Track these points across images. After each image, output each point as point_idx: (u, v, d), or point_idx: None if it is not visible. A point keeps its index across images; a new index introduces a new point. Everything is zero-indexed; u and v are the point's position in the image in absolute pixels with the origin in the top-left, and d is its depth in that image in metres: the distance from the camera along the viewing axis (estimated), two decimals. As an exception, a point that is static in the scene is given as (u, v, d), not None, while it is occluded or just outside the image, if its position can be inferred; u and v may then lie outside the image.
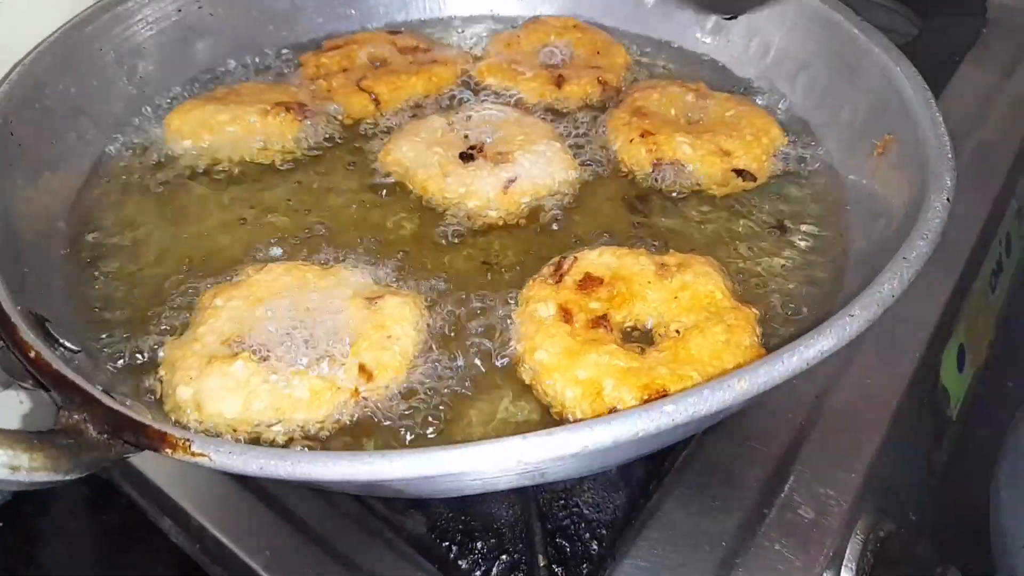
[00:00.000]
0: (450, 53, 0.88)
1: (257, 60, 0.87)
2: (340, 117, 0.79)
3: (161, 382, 0.54)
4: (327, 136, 0.77)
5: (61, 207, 0.66)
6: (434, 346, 0.58)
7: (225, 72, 0.85)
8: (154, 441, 0.39)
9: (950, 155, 0.54)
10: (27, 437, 0.37)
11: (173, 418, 0.51)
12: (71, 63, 0.69)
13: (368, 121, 0.79)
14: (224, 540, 0.63)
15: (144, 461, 0.70)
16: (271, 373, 0.52)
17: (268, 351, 0.54)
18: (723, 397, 0.39)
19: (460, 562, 0.58)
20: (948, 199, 0.50)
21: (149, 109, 0.77)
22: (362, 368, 0.53)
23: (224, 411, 0.50)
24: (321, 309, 0.57)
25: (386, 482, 0.37)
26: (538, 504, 0.59)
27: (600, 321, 0.57)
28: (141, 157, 0.74)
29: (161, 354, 0.56)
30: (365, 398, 0.53)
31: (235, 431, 0.51)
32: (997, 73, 1.08)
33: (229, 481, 0.67)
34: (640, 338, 0.59)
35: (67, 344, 0.49)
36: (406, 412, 0.53)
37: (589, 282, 0.59)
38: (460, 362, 0.57)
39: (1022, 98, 1.04)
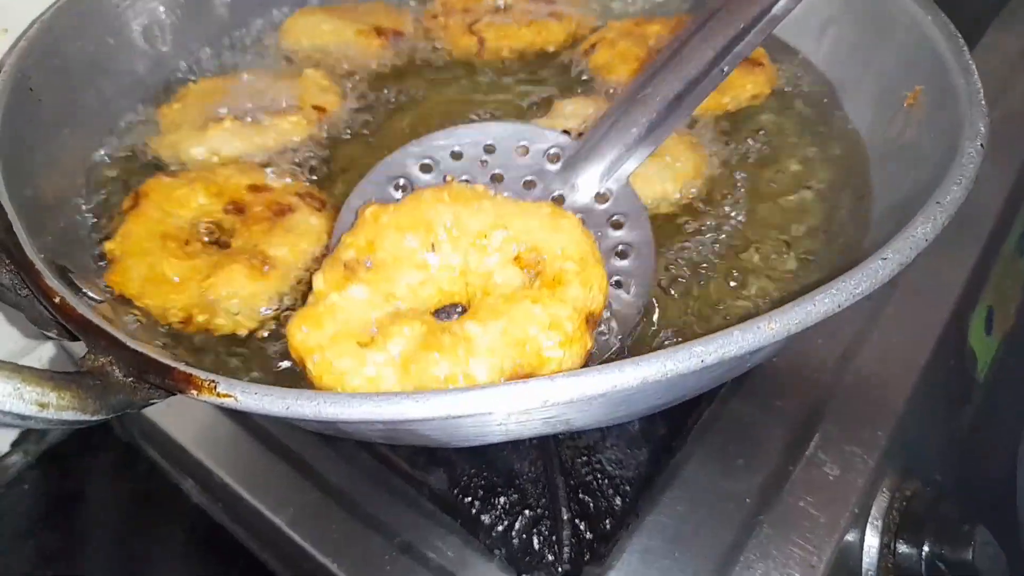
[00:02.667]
0: (572, 11, 0.85)
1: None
2: (445, 52, 0.83)
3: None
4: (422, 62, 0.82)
5: (81, 163, 0.66)
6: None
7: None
8: (179, 383, 0.39)
9: (982, 103, 0.53)
10: (55, 376, 0.37)
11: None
12: (89, 20, 0.69)
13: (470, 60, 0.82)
14: (248, 497, 0.64)
15: (169, 421, 0.71)
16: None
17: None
18: (754, 339, 0.38)
19: (483, 517, 0.58)
20: (982, 145, 0.49)
21: (169, 71, 0.76)
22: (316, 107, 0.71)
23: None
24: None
25: (412, 422, 0.37)
26: (560, 460, 0.59)
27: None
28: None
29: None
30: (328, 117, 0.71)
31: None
32: (1024, 39, 1.06)
33: (252, 439, 0.67)
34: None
35: (90, 294, 0.49)
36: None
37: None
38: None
39: (1051, 61, 1.02)
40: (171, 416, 0.71)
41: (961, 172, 0.47)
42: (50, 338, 0.49)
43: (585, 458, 0.60)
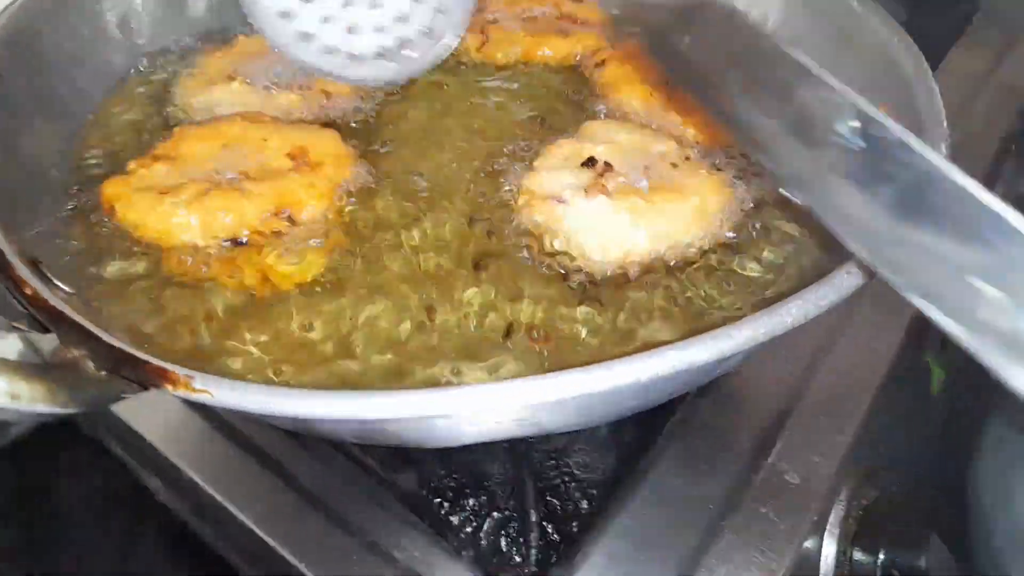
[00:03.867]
0: (583, 30, 0.84)
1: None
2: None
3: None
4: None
5: (54, 155, 0.65)
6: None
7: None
8: (153, 377, 0.39)
9: (944, 124, 0.55)
10: (26, 367, 0.37)
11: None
12: (62, 9, 0.68)
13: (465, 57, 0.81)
14: (216, 496, 0.63)
15: (137, 418, 0.70)
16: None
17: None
18: (724, 346, 0.39)
19: (452, 518, 0.59)
20: (944, 165, 0.51)
21: (145, 62, 0.76)
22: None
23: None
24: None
25: (386, 421, 0.37)
26: (530, 462, 0.60)
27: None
28: (132, 110, 0.73)
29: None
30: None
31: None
32: (987, 60, 1.10)
33: (222, 437, 0.67)
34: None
35: (62, 286, 0.49)
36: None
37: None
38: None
39: (1010, 85, 1.06)
40: (139, 413, 0.70)
41: (923, 191, 0.48)
42: (19, 330, 0.48)
43: (554, 461, 0.61)
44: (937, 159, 0.32)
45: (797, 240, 0.61)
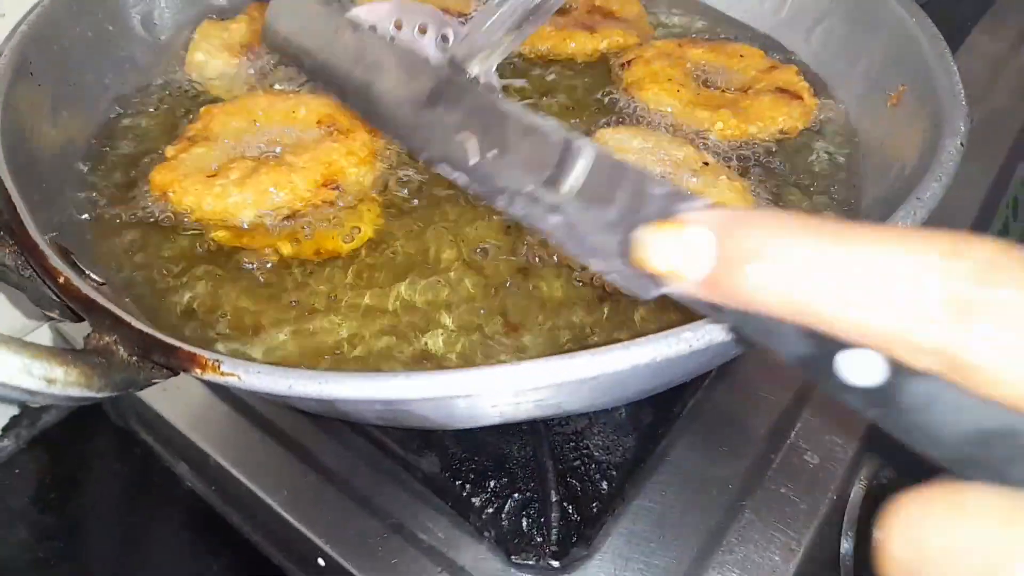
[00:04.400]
0: (612, 27, 0.84)
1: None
2: None
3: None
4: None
5: (81, 147, 0.67)
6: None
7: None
8: (183, 362, 0.40)
9: (963, 102, 0.54)
10: (62, 352, 0.38)
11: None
12: (88, 6, 0.70)
13: None
14: (242, 479, 0.65)
15: (165, 405, 0.72)
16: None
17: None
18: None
19: (473, 500, 0.59)
20: (962, 143, 0.51)
21: (167, 57, 0.77)
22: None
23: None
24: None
25: (410, 401, 0.38)
26: (550, 444, 0.60)
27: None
28: (156, 105, 0.74)
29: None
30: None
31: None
32: (1008, 41, 1.09)
33: (247, 422, 0.68)
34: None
35: (92, 275, 0.50)
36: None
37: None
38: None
39: (1033, 66, 1.05)
40: (167, 400, 0.72)
41: (941, 169, 0.49)
42: (52, 319, 0.50)
43: (573, 444, 0.62)
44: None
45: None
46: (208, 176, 0.61)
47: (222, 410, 0.70)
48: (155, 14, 0.77)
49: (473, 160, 0.36)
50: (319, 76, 0.48)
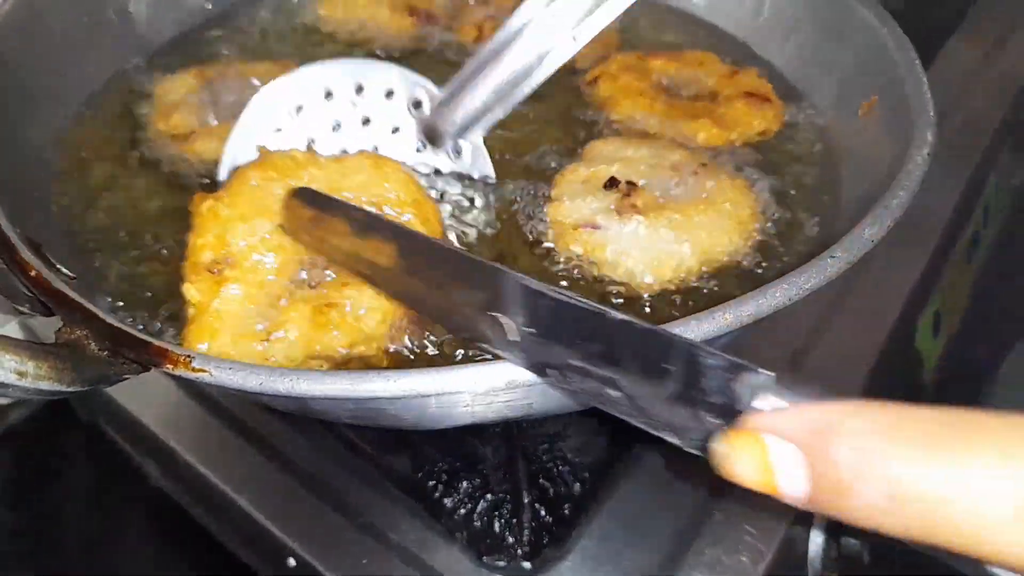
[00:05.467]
0: None
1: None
2: (455, 37, 0.86)
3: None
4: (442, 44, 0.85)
5: (55, 139, 0.66)
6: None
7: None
8: (155, 357, 0.40)
9: (931, 113, 0.55)
10: (33, 346, 0.38)
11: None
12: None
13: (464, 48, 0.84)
14: (211, 477, 0.65)
15: (134, 403, 0.71)
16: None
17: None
18: (709, 327, 0.40)
19: (445, 501, 0.59)
20: (928, 153, 0.52)
21: (140, 56, 0.77)
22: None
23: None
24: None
25: (381, 400, 0.38)
26: (523, 446, 0.61)
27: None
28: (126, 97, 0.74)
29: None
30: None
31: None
32: (984, 49, 1.11)
33: (217, 421, 0.68)
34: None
35: (63, 269, 0.50)
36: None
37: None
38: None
39: (1006, 75, 1.07)
40: (136, 398, 0.71)
41: (908, 178, 0.50)
42: (23, 313, 0.49)
43: (546, 445, 0.62)
44: None
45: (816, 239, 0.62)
46: (260, 341, 0.49)
47: (192, 409, 0.70)
48: (131, 6, 0.76)
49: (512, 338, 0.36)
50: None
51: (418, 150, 0.65)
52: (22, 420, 0.91)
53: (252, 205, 0.52)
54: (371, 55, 0.81)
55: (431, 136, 0.62)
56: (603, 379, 0.33)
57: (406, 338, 0.52)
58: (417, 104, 0.62)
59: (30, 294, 0.47)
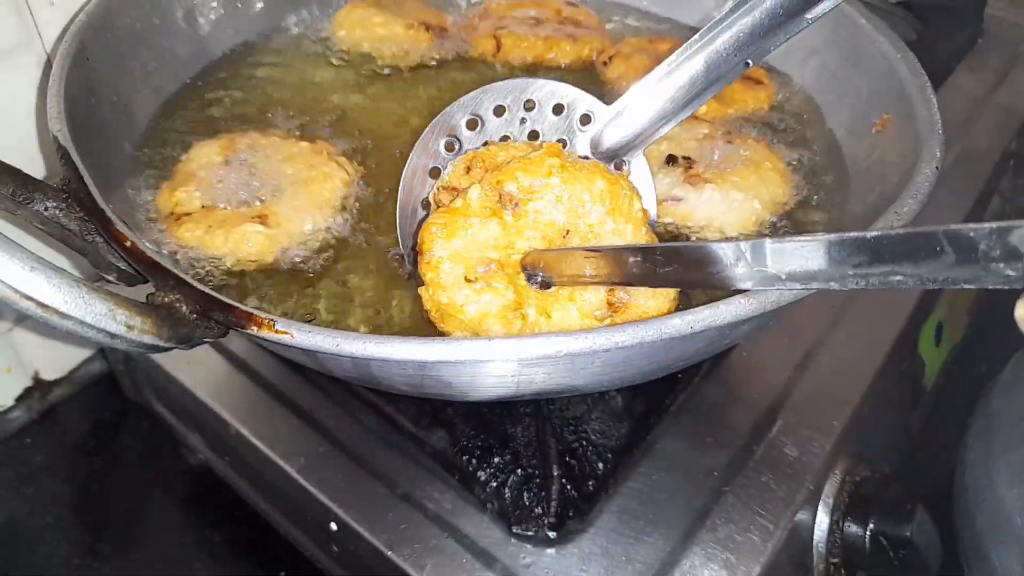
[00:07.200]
0: (588, 35, 0.92)
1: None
2: (468, 51, 0.91)
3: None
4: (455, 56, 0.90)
5: (130, 131, 0.71)
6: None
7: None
8: (241, 320, 0.45)
9: (940, 130, 0.60)
10: (140, 304, 0.43)
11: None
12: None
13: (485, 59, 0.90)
14: (261, 446, 0.69)
15: (187, 376, 0.76)
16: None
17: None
18: (735, 311, 0.45)
19: (479, 474, 0.64)
20: (936, 167, 0.56)
21: (205, 54, 0.83)
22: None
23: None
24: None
25: (443, 364, 0.43)
26: (552, 425, 0.65)
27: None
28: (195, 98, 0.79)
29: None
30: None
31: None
32: (989, 80, 1.16)
33: (266, 395, 0.73)
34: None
35: (146, 243, 0.54)
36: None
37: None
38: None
39: (1010, 104, 1.12)
40: (188, 371, 0.76)
41: (918, 189, 0.54)
42: (109, 282, 0.54)
43: (572, 427, 0.67)
44: None
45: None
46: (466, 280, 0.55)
47: (241, 382, 0.75)
48: (197, 10, 0.82)
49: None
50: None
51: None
52: (64, 397, 0.96)
53: (581, 181, 0.55)
54: (396, 71, 0.87)
55: (598, 151, 0.64)
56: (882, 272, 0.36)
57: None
58: (585, 120, 0.63)
59: (121, 264, 0.52)
